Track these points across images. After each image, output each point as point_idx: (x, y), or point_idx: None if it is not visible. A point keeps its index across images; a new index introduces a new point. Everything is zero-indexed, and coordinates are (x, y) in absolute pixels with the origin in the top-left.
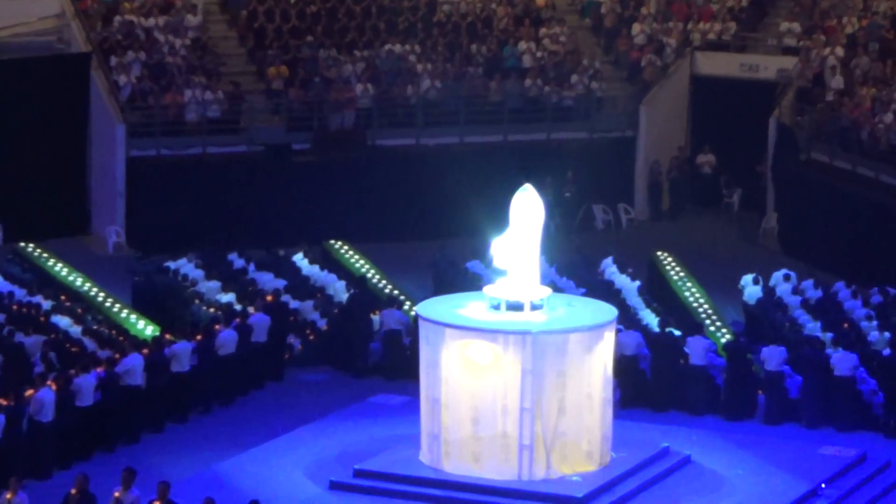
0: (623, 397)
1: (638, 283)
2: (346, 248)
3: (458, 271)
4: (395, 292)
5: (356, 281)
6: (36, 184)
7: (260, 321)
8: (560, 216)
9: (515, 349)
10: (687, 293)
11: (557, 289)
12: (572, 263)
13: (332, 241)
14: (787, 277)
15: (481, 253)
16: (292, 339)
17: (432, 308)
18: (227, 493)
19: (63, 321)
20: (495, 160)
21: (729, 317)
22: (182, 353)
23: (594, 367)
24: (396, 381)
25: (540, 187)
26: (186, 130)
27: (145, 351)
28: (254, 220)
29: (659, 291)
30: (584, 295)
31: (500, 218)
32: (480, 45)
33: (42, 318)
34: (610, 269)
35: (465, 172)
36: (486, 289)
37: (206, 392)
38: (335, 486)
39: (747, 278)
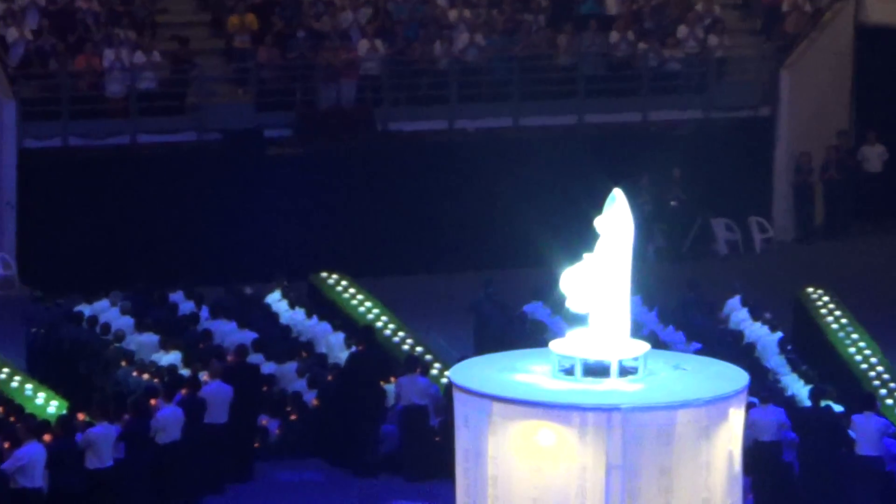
0: (758, 503)
1: (779, 334)
2: (344, 283)
3: (511, 318)
4: (419, 349)
5: (360, 332)
6: None
7: (217, 393)
8: (663, 236)
9: (597, 434)
10: (851, 348)
11: (659, 343)
12: (682, 306)
13: (325, 274)
14: None
15: (545, 291)
16: (266, 420)
17: (473, 372)
18: None
19: None
20: (565, 153)
21: None
22: (102, 440)
23: (714, 459)
24: (419, 482)
25: (632, 193)
26: (107, 110)
27: (48, 438)
28: (208, 244)
29: (810, 346)
30: (700, 353)
31: (572, 240)
32: None
33: None
34: (737, 313)
35: (521, 171)
36: (553, 344)
37: (138, 497)
38: None
39: None
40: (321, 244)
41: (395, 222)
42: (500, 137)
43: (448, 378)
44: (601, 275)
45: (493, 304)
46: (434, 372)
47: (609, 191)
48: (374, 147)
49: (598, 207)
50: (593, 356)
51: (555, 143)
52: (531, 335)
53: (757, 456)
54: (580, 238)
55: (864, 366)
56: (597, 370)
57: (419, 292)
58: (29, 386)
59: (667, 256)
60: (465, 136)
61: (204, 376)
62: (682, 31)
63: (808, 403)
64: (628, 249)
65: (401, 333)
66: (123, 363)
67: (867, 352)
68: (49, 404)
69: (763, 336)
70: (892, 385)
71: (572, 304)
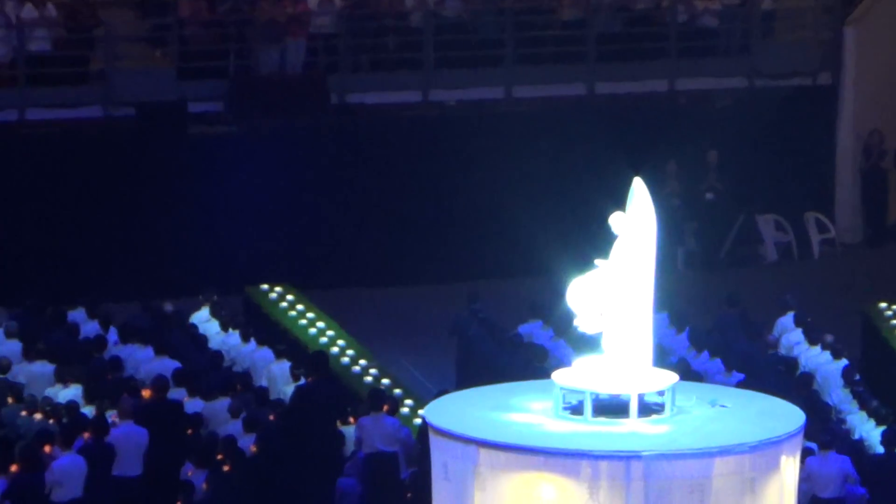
0: None
1: (844, 362)
2: (290, 298)
3: (503, 341)
4: (385, 381)
5: (311, 360)
6: None
7: (129, 438)
8: (695, 237)
9: (612, 489)
10: None
11: (691, 374)
12: (719, 326)
13: (266, 287)
14: None
15: (546, 307)
16: (191, 472)
17: (455, 410)
18: None
19: None
20: (571, 132)
21: None
22: None
23: None
24: None
25: (657, 183)
26: None
27: None
28: (117, 248)
29: (884, 377)
30: (743, 385)
31: (581, 243)
32: None
33: None
34: (791, 335)
35: (516, 155)
36: (557, 374)
37: None
38: None
39: None
40: (261, 249)
41: (354, 221)
42: (488, 112)
43: (423, 418)
44: (617, 287)
45: (480, 323)
46: (405, 410)
47: (627, 181)
48: (328, 125)
49: (613, 202)
50: (607, 390)
51: (558, 120)
52: (528, 363)
53: None
54: (591, 241)
55: None
56: (612, 408)
57: (386, 309)
58: None
59: (700, 263)
60: (443, 110)
61: (112, 417)
62: None
63: (880, 450)
64: (651, 255)
65: (362, 361)
66: (10, 400)
67: None
68: None
69: (823, 364)
70: None
71: (581, 324)
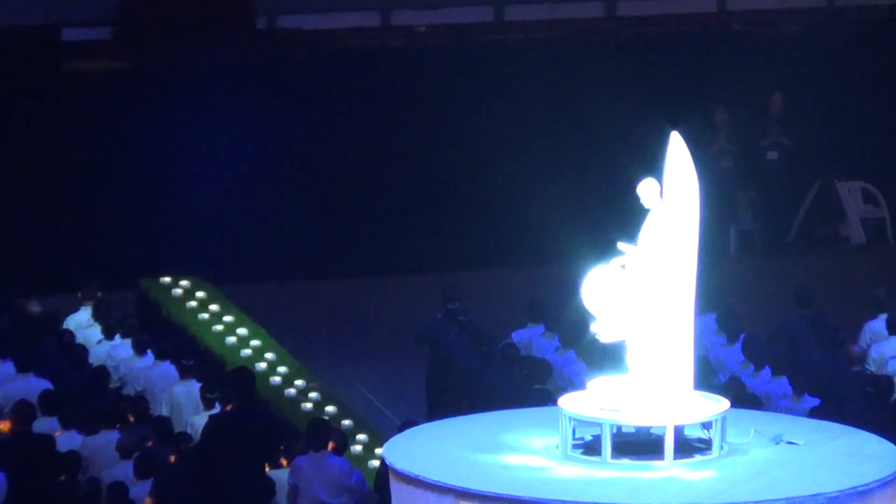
0: None
1: None
2: (201, 295)
3: (490, 353)
4: (330, 409)
5: (229, 380)
6: None
7: None
8: (753, 212)
9: None
10: None
11: (748, 397)
12: (786, 333)
13: (167, 280)
14: None
15: (550, 308)
16: None
17: (424, 449)
18: None
19: None
20: (584, 68)
21: None
22: None
23: None
24: None
25: (702, 138)
26: None
27: None
28: None
29: None
30: (818, 412)
31: (597, 221)
32: None
33: None
34: (883, 345)
35: (508, 101)
36: (565, 399)
37: None
38: None
39: None
40: (160, 229)
41: (290, 192)
42: (471, 41)
43: (381, 458)
44: (647, 280)
45: (459, 329)
46: (357, 448)
47: (661, 135)
48: (253, 59)
49: (641, 164)
50: (633, 421)
51: (565, 52)
52: (525, 383)
53: None
54: (611, 217)
55: None
56: (639, 446)
57: (332, 310)
58: None
59: (760, 247)
60: (411, 38)
61: None
62: None
63: None
64: (694, 236)
65: (299, 381)
66: None
67: None
68: None
69: None
70: None
71: (598, 330)
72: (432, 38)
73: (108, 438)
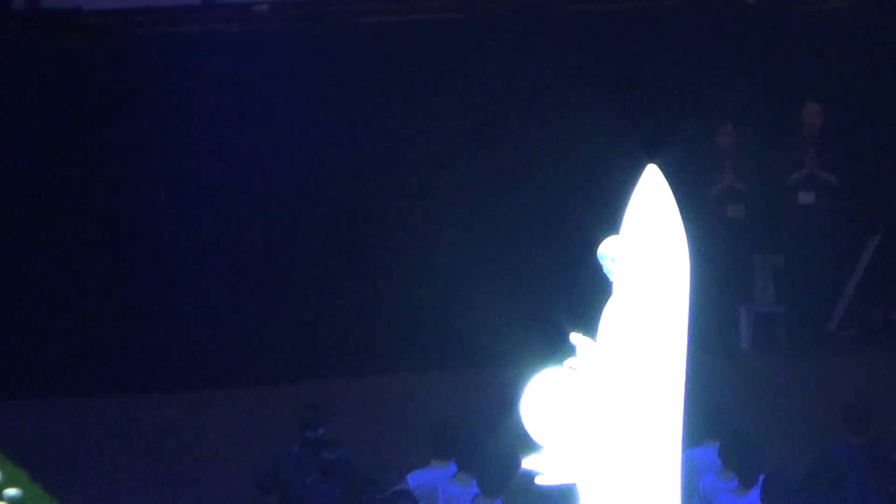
0: None
1: None
2: None
3: (372, 502)
4: None
5: None
6: None
7: None
8: (777, 284)
9: None
10: None
11: None
12: (828, 471)
13: None
14: None
15: (463, 438)
16: None
17: None
18: None
19: None
20: (522, 53)
21: None
22: None
23: None
24: None
25: (695, 171)
26: None
27: None
28: None
29: None
30: None
31: (540, 310)
32: None
33: None
34: None
35: (383, 107)
36: None
37: None
38: None
39: None
40: None
41: (47, 232)
42: (318, 18)
43: None
44: (611, 390)
45: (322, 470)
46: None
47: (633, 166)
48: (9, 45)
49: (604, 215)
50: None
51: (483, 39)
52: None
53: None
54: (559, 300)
55: None
56: None
57: (127, 427)
58: None
59: (787, 338)
60: (242, 20)
61: None
62: None
63: None
64: (681, 323)
65: None
66: None
67: None
68: None
69: None
70: None
71: (540, 472)
72: (272, 22)
73: None
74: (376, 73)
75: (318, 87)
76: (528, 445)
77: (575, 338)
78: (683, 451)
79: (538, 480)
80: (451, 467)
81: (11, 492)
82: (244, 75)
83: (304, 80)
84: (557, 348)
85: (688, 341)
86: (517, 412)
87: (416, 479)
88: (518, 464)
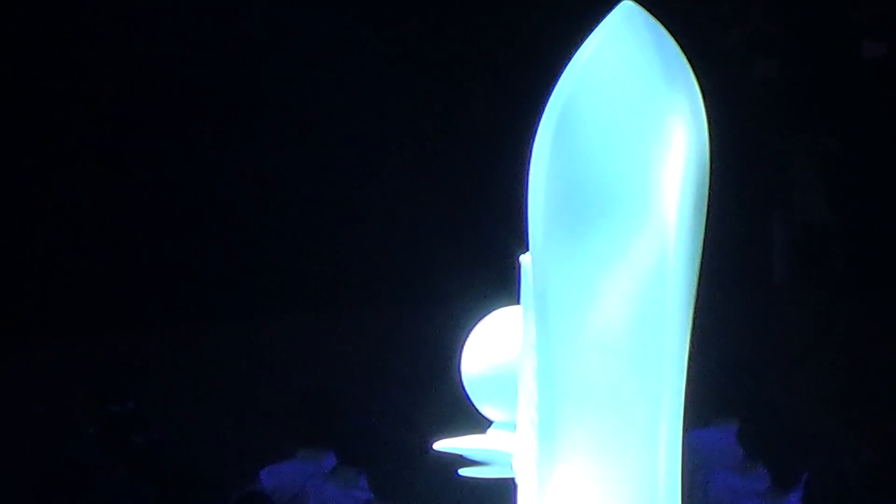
0: None
1: None
2: None
3: None
4: None
5: None
6: None
7: None
8: (824, 177)
9: None
10: None
11: None
12: None
13: None
14: None
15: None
16: None
17: None
18: None
19: None
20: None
21: None
22: None
23: None
24: None
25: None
26: None
27: None
28: None
29: None
30: None
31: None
32: None
33: None
34: None
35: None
36: None
37: None
38: None
39: None
40: None
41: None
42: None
43: None
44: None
45: (133, 459)
46: None
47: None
48: None
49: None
50: None
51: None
52: None
53: None
54: (502, 217)
55: None
56: None
57: None
58: None
59: (843, 262)
60: None
61: None
62: None
63: None
64: (689, 234)
65: None
66: None
67: None
68: None
69: None
70: None
71: (470, 462)
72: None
73: None
74: None
75: None
76: (452, 422)
77: (527, 258)
78: (685, 433)
79: (464, 473)
80: (328, 459)
81: None
82: None
83: None
84: (505, 277)
85: (696, 267)
86: (446, 371)
87: (273, 477)
88: (431, 450)
